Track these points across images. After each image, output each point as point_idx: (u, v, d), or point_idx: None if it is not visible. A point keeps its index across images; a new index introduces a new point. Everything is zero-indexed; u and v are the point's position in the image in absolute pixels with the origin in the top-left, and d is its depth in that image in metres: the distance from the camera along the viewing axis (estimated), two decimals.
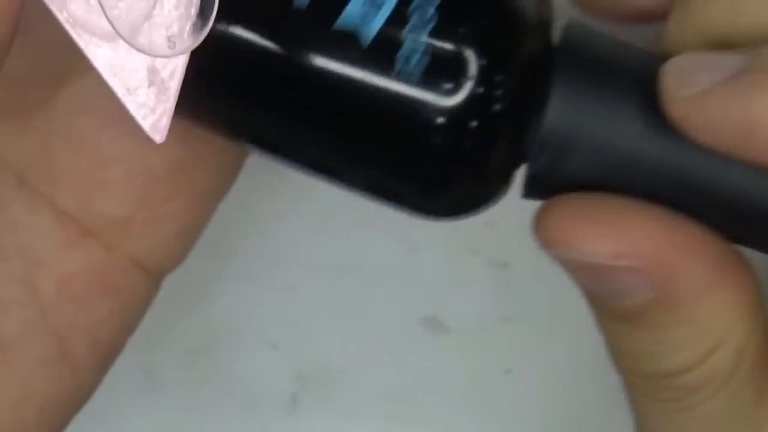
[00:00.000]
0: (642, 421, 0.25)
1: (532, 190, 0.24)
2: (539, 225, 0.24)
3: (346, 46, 0.23)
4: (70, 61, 0.25)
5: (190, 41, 0.21)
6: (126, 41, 0.21)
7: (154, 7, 0.21)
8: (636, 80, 0.23)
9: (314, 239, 0.35)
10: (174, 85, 0.21)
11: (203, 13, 0.21)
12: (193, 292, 0.35)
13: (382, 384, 0.36)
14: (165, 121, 0.21)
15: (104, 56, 0.21)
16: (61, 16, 0.21)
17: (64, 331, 0.26)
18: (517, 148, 0.24)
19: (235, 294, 0.36)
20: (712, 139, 0.22)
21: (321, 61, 0.23)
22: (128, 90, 0.21)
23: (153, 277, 0.28)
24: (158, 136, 0.21)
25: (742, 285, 0.23)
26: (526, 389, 0.35)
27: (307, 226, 0.35)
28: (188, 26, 0.21)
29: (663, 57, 0.23)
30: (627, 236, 0.23)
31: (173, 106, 0.21)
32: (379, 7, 0.23)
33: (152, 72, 0.21)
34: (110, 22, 0.21)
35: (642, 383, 0.24)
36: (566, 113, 0.23)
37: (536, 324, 0.35)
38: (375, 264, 0.35)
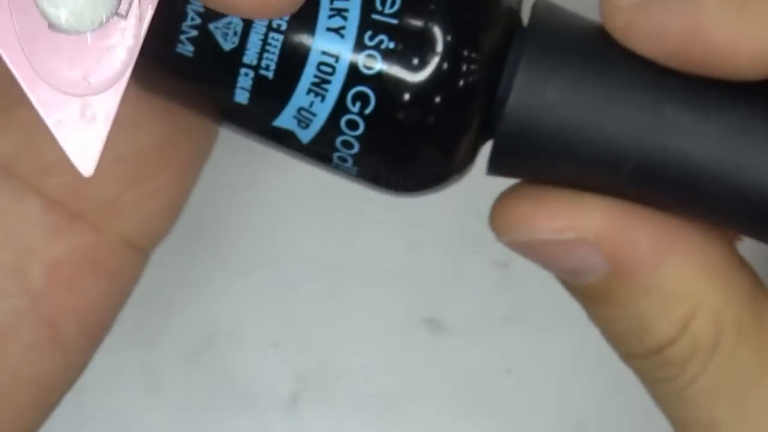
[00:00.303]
0: (667, 414, 0.25)
1: (496, 167, 0.24)
2: (492, 217, 0.24)
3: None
4: None
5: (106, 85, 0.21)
6: (43, 79, 0.21)
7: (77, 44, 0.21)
8: (601, 53, 0.23)
9: (314, 239, 0.35)
10: (102, 120, 0.21)
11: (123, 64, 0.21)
12: (193, 292, 0.35)
13: (382, 384, 0.36)
14: (94, 155, 0.21)
15: (44, 96, 0.21)
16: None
17: (54, 316, 0.27)
18: (483, 124, 0.24)
19: (235, 294, 0.35)
20: (653, 49, 0.22)
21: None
22: (58, 122, 0.21)
23: (141, 252, 0.28)
24: (86, 170, 0.21)
25: (702, 250, 0.23)
26: (526, 389, 0.35)
27: (307, 226, 0.35)
28: (107, 72, 0.21)
29: None
30: (570, 211, 0.23)
31: (103, 139, 0.21)
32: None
33: (83, 107, 0.21)
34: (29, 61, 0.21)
35: (641, 367, 0.25)
36: (531, 90, 0.23)
37: (536, 324, 0.35)
38: (375, 264, 0.35)
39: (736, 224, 0.24)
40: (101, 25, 0.20)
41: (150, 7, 0.20)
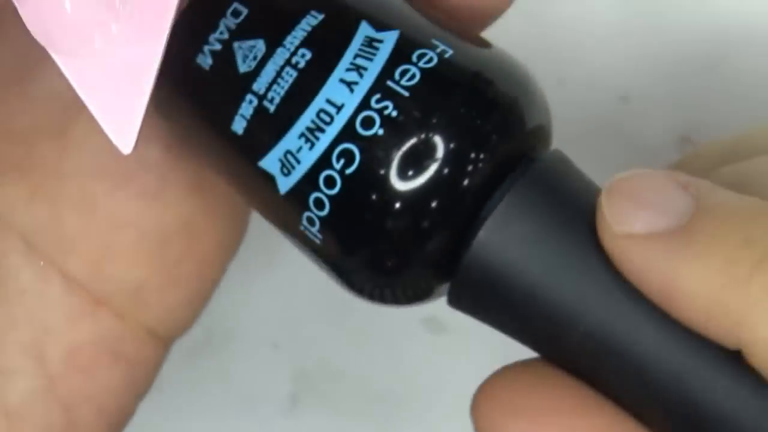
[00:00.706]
0: None
1: (454, 299, 0.24)
2: (473, 411, 0.24)
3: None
4: (73, 112, 0.25)
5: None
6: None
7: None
8: (589, 233, 0.22)
9: None
10: (141, 80, 0.21)
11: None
12: None
13: (382, 384, 0.36)
14: (132, 129, 0.21)
15: (72, 63, 0.20)
16: (30, 22, 0.20)
17: (70, 400, 0.26)
18: (444, 261, 0.23)
19: (235, 294, 0.35)
20: (638, 284, 0.22)
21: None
22: (94, 97, 0.21)
23: (163, 343, 0.27)
24: (126, 146, 0.21)
25: None
26: None
27: None
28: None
29: None
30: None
31: (141, 116, 0.21)
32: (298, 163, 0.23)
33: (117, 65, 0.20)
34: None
35: None
36: (501, 238, 0.22)
37: None
38: None
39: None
40: None
41: None
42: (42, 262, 0.26)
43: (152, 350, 0.27)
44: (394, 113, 0.22)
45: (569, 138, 0.35)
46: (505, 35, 0.34)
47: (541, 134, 0.24)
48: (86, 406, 0.26)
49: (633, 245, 0.21)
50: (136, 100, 0.20)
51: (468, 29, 0.24)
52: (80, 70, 0.20)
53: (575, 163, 0.24)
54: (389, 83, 0.22)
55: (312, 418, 0.36)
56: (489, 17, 0.25)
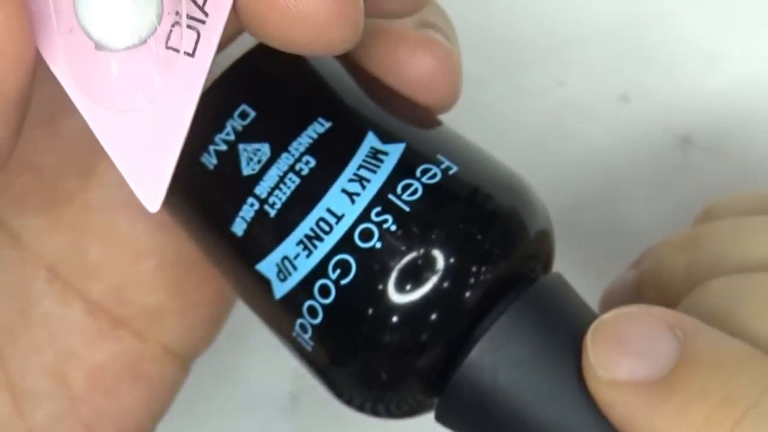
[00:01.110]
0: None
1: (441, 418, 0.24)
2: None
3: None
4: (98, 152, 0.25)
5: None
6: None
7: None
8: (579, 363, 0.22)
9: None
10: (170, 143, 0.20)
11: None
12: None
13: None
14: (161, 189, 0.21)
15: (101, 120, 0.20)
16: (61, 77, 0.20)
17: (93, 421, 0.27)
18: (433, 378, 0.23)
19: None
20: (621, 429, 0.22)
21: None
22: (123, 156, 0.20)
23: (182, 363, 0.28)
24: (153, 205, 0.21)
25: None
26: None
27: None
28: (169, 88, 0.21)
29: None
30: None
31: (169, 176, 0.20)
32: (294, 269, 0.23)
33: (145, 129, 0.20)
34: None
35: None
36: (492, 360, 0.22)
37: None
38: None
39: None
40: (143, 41, 0.19)
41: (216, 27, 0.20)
42: (63, 287, 0.26)
43: (171, 369, 0.27)
44: (393, 227, 0.22)
45: (569, 138, 0.35)
46: (505, 35, 0.35)
47: (540, 256, 0.24)
48: (108, 425, 0.27)
49: (616, 391, 0.21)
50: (165, 160, 0.20)
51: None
52: (109, 127, 0.20)
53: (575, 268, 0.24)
54: (390, 197, 0.22)
55: (312, 418, 0.36)
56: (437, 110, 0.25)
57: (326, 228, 0.22)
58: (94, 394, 0.26)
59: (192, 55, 0.20)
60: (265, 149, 0.23)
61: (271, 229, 0.23)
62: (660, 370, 0.21)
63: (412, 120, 0.24)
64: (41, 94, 0.23)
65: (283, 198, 0.23)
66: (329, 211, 0.22)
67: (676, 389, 0.21)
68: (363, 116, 0.24)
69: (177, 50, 0.20)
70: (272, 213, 0.23)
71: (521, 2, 0.34)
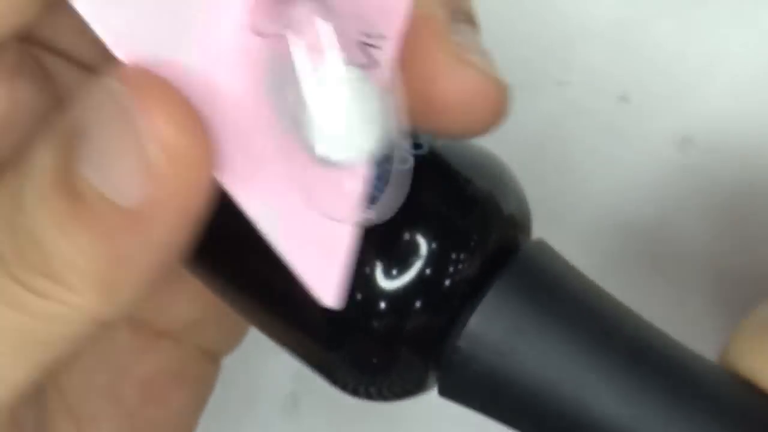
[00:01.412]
0: None
1: (444, 392, 0.24)
2: None
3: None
4: None
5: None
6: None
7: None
8: (580, 321, 0.23)
9: None
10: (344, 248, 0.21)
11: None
12: None
13: None
14: (335, 284, 0.21)
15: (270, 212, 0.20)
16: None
17: (147, 430, 0.28)
18: (432, 352, 0.23)
19: None
20: None
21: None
22: (295, 249, 0.21)
23: (216, 359, 0.29)
24: (330, 300, 0.21)
25: None
26: None
27: None
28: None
29: (621, 306, 0.23)
30: None
31: (344, 270, 0.21)
32: None
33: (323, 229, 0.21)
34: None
35: None
36: (491, 329, 0.23)
37: None
38: None
39: None
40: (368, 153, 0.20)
41: None
42: None
43: (209, 368, 0.29)
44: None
45: (569, 138, 0.35)
46: (505, 35, 0.34)
47: (521, 225, 0.24)
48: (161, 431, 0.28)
49: None
50: (340, 256, 0.21)
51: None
52: (289, 232, 0.20)
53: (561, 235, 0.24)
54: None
55: (312, 418, 0.36)
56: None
57: None
58: (146, 406, 0.28)
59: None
60: None
61: None
62: None
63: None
64: None
65: None
66: None
67: None
68: None
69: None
70: None
71: (521, 2, 0.34)
